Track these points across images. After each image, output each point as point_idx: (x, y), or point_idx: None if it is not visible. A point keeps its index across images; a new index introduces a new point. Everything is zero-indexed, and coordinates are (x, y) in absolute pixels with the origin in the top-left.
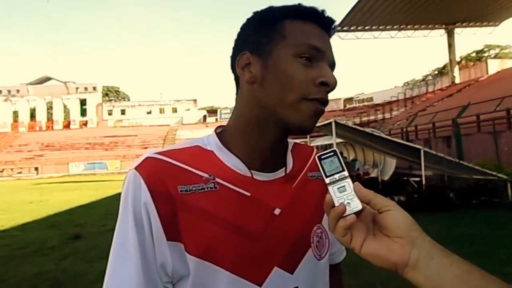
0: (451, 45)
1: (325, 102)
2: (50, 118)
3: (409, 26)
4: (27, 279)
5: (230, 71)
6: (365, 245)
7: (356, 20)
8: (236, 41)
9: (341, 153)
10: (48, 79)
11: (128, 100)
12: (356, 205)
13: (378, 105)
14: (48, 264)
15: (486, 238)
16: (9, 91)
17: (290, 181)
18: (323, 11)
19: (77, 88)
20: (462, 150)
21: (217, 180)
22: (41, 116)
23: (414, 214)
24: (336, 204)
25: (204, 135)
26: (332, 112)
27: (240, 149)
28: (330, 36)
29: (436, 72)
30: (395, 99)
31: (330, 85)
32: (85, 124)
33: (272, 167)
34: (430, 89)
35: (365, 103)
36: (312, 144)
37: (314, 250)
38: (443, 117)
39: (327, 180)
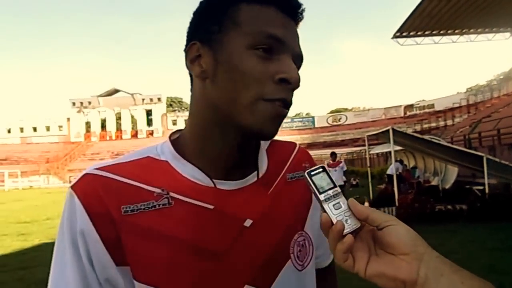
0: None
1: (287, 103)
2: (119, 128)
3: (471, 30)
4: None
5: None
6: (370, 266)
7: (416, 25)
8: (188, 29)
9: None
10: (116, 91)
11: None
12: (354, 222)
13: (439, 112)
14: None
15: None
16: (81, 103)
17: (265, 186)
18: None
19: (143, 99)
20: None
21: (172, 194)
22: (111, 126)
23: (477, 223)
24: (334, 222)
25: None
26: (392, 119)
27: (198, 157)
28: (296, 23)
29: (501, 77)
30: (457, 105)
31: (292, 82)
32: (151, 133)
33: (240, 173)
34: (495, 95)
35: (426, 110)
36: (371, 152)
37: (295, 260)
38: (509, 123)
39: (321, 197)
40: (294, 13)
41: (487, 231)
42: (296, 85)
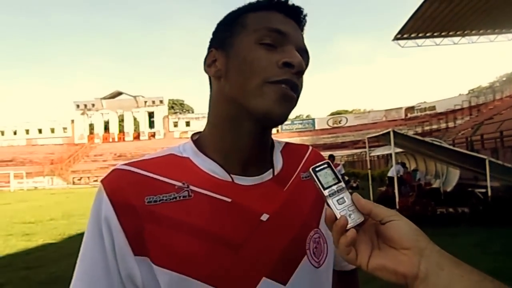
0: None
1: (293, 84)
2: (121, 130)
3: (473, 31)
4: None
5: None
6: (372, 259)
7: (417, 27)
8: (208, 47)
9: (401, 162)
10: (119, 93)
11: (192, 112)
12: (358, 216)
13: (441, 114)
14: None
15: None
16: (85, 106)
17: (281, 183)
18: (287, 0)
19: (145, 102)
20: None
21: (192, 187)
22: (114, 128)
23: (479, 227)
24: (338, 216)
25: None
26: (393, 121)
27: (217, 153)
28: (300, 27)
29: (504, 79)
30: (459, 107)
31: (295, 65)
32: (153, 135)
33: (257, 169)
34: (497, 97)
35: (427, 112)
36: (372, 154)
37: (311, 257)
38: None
39: (325, 193)
40: (297, 17)
41: (489, 235)
42: (299, 68)
